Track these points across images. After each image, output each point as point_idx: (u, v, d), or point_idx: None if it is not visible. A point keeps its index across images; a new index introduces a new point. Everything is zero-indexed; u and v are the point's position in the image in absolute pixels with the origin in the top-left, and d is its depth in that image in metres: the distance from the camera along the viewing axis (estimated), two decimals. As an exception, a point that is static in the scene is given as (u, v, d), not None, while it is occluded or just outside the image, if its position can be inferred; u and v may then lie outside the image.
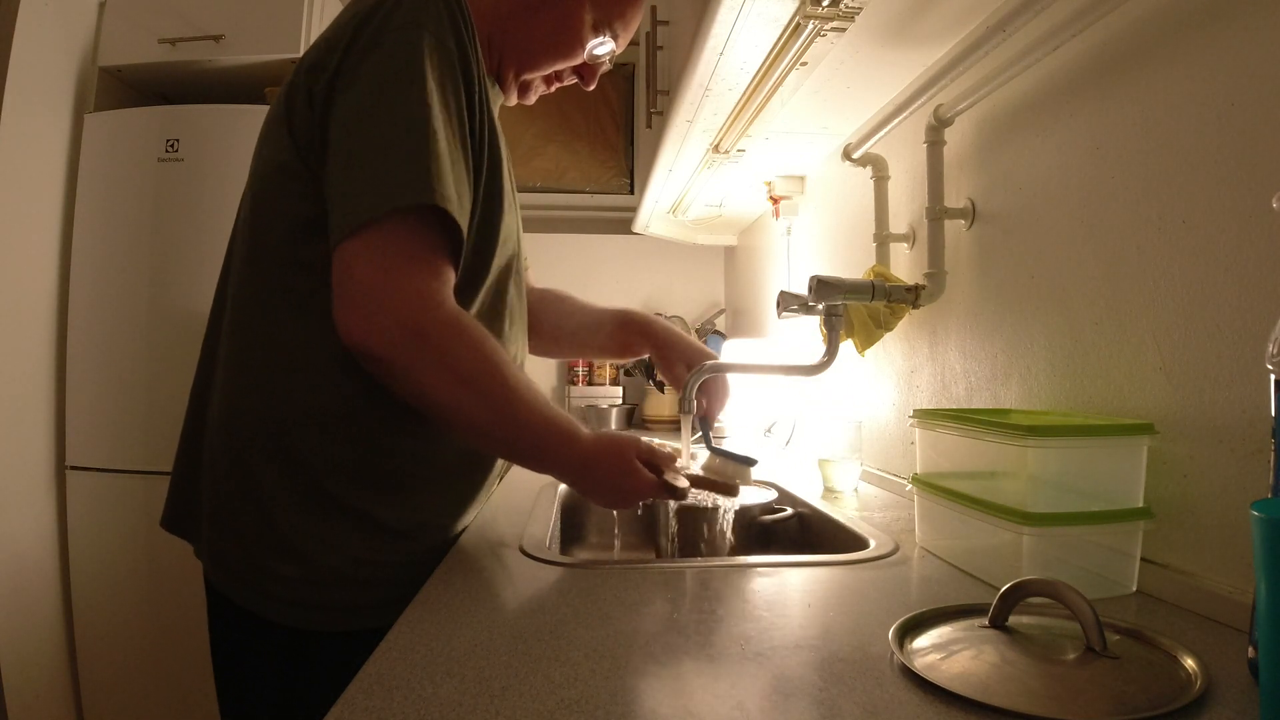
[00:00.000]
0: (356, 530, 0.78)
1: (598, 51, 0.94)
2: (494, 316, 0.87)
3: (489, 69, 0.90)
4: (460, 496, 0.88)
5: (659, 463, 0.84)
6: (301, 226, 0.76)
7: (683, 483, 0.84)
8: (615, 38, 0.95)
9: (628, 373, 2.70)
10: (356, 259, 0.69)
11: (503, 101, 0.96)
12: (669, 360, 1.14)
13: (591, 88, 1.00)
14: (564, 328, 1.17)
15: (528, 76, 0.94)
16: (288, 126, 0.77)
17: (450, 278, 0.74)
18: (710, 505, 1.12)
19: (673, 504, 1.03)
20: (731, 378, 1.13)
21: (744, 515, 1.15)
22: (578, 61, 0.95)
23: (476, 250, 0.81)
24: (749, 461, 0.94)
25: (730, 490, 0.91)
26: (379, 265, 0.69)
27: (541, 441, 0.77)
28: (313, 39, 1.92)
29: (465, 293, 0.81)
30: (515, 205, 0.92)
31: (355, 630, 0.73)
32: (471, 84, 0.77)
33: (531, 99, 0.98)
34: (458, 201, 0.72)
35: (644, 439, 0.85)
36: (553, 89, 1.00)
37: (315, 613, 0.77)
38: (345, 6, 0.80)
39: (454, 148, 0.73)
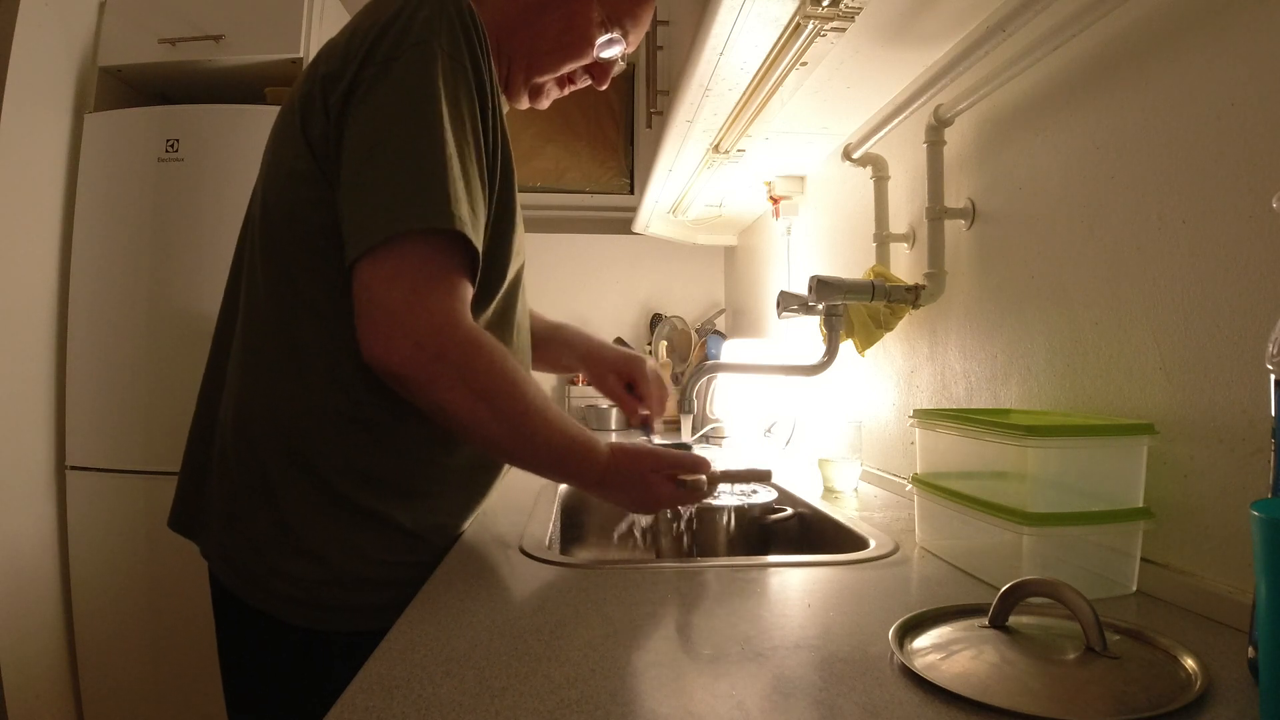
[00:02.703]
0: (373, 531, 0.78)
1: (607, 51, 0.94)
2: (504, 328, 0.87)
3: (499, 77, 0.90)
4: (471, 497, 0.88)
5: (678, 471, 0.85)
6: (317, 232, 0.77)
7: (701, 481, 0.86)
8: (625, 35, 0.94)
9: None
10: (375, 279, 0.70)
11: (512, 106, 0.95)
12: (599, 372, 1.14)
13: (604, 88, 1.00)
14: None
15: (539, 80, 0.93)
16: (303, 134, 0.77)
17: (468, 295, 0.75)
18: (712, 506, 1.13)
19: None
20: (723, 377, 1.13)
21: (744, 515, 1.15)
22: (587, 61, 0.94)
23: (491, 264, 0.82)
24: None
25: (760, 476, 0.94)
26: (398, 286, 0.69)
27: (558, 456, 0.79)
28: (313, 39, 1.95)
29: (478, 306, 0.82)
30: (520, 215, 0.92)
31: (369, 630, 0.73)
32: (485, 98, 0.77)
33: (545, 103, 0.98)
34: (472, 221, 0.73)
35: (664, 450, 0.86)
36: (566, 91, 0.99)
37: (331, 613, 0.78)
38: (361, 12, 0.80)
39: (469, 165, 0.74)
